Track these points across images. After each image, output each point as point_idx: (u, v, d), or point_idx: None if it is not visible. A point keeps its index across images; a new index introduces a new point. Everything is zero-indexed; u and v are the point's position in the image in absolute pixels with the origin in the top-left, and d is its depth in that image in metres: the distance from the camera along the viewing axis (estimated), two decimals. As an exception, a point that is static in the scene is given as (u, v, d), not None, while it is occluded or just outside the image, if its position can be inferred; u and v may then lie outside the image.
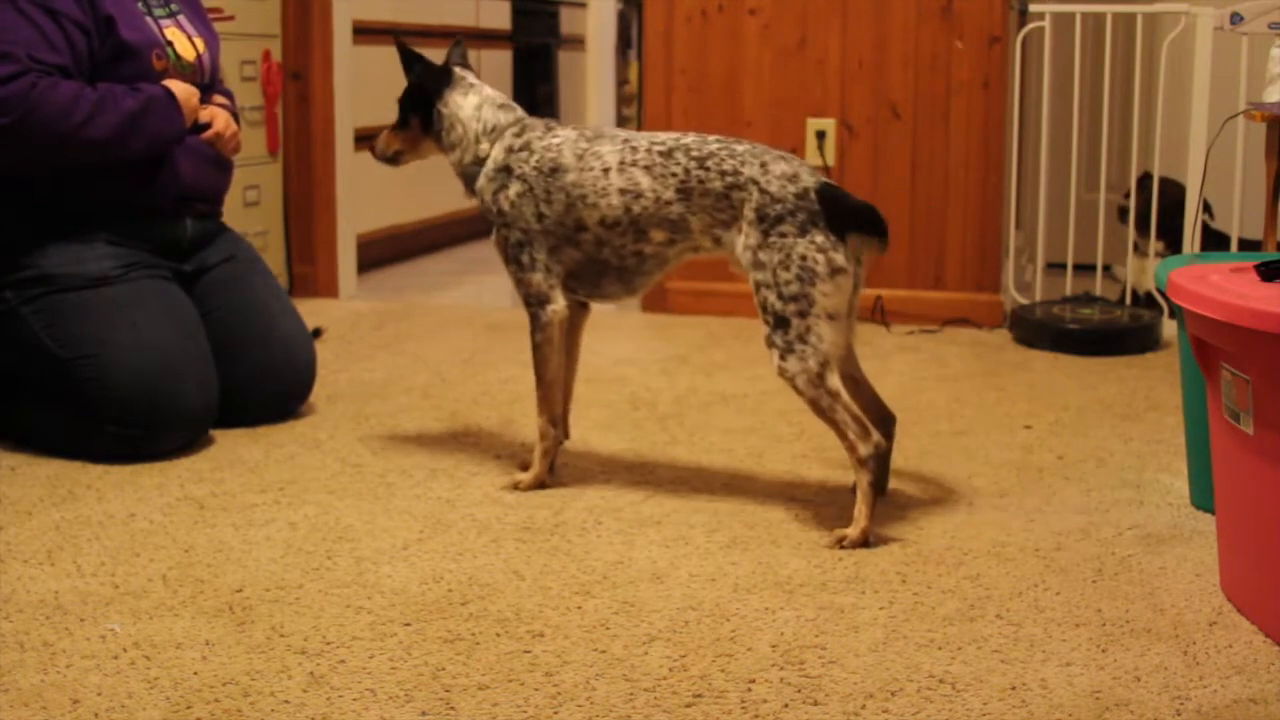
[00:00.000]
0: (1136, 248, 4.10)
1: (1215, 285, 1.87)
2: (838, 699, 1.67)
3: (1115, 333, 3.68)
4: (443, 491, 2.44)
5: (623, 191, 2.30)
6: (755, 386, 3.21)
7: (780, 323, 2.18)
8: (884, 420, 2.34)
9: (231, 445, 2.71)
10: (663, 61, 4.16)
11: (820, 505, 2.38)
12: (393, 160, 2.56)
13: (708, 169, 2.24)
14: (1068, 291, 3.94)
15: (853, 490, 2.26)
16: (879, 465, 2.21)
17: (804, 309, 2.17)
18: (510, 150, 2.40)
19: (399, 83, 2.54)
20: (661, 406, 3.06)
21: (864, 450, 2.18)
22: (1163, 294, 3.09)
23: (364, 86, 4.50)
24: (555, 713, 1.63)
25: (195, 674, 1.72)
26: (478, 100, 2.46)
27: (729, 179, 2.23)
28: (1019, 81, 4.28)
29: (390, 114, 2.54)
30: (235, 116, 2.92)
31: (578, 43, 6.77)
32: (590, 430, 2.83)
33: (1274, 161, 2.93)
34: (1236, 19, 3.18)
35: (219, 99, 2.91)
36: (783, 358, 2.19)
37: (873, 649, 1.80)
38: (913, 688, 1.70)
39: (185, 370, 2.66)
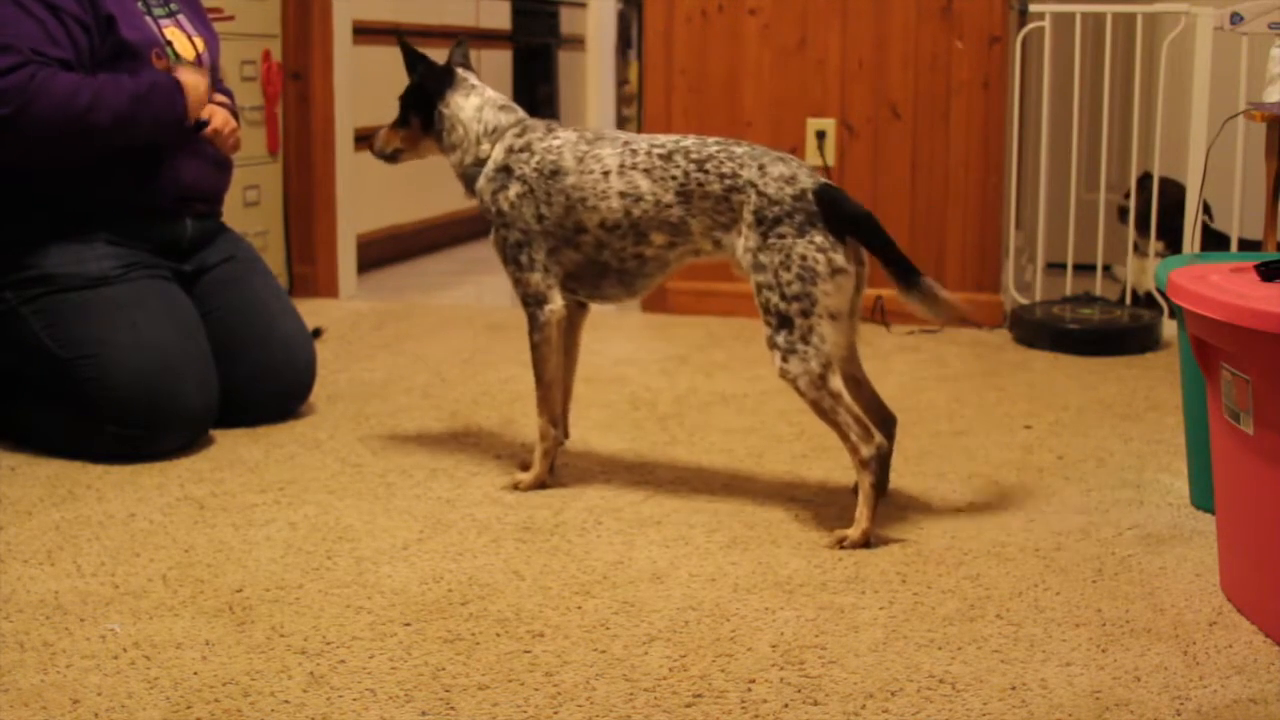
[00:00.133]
0: (1136, 248, 4.10)
1: (1215, 285, 1.87)
2: (838, 699, 1.67)
3: (1115, 333, 3.68)
4: (443, 491, 2.44)
5: (622, 194, 2.30)
6: (755, 386, 3.21)
7: (783, 323, 2.18)
8: (885, 421, 2.34)
9: (231, 445, 2.71)
10: (663, 61, 4.16)
11: (820, 505, 2.38)
12: (391, 158, 2.56)
13: (707, 172, 2.24)
14: (1068, 291, 3.94)
15: (854, 491, 2.26)
16: (881, 466, 2.21)
17: (807, 308, 2.17)
18: (511, 151, 2.40)
19: (399, 83, 2.54)
20: (661, 406, 3.06)
21: (866, 451, 2.18)
22: (1163, 294, 3.09)
23: (364, 86, 4.50)
24: (555, 713, 1.63)
25: (195, 674, 1.72)
26: (479, 101, 2.46)
27: (728, 181, 2.23)
28: (1019, 81, 4.28)
29: (390, 113, 2.54)
30: (235, 115, 2.92)
31: (578, 43, 6.76)
32: (590, 430, 2.83)
33: (1274, 161, 2.93)
34: (1236, 19, 3.18)
35: (219, 98, 2.91)
36: (784, 359, 2.19)
37: (873, 649, 1.80)
38: (913, 688, 1.70)
39: (185, 370, 2.66)
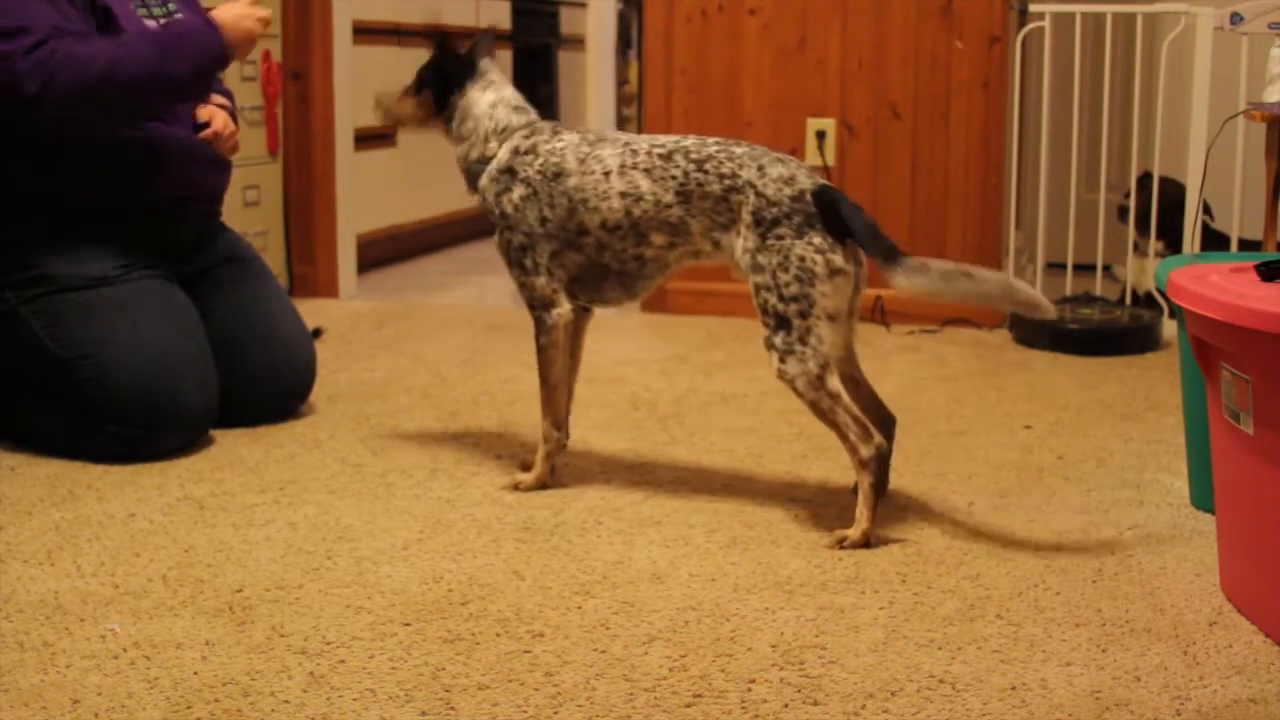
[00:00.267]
0: (1136, 248, 4.10)
1: (1215, 285, 1.87)
2: (838, 699, 1.67)
3: (1115, 333, 3.68)
4: (443, 491, 2.44)
5: (623, 194, 2.30)
6: (755, 386, 3.21)
7: (781, 324, 2.18)
8: (884, 422, 2.34)
9: (231, 445, 2.71)
10: (663, 61, 4.16)
11: (820, 505, 2.38)
12: (397, 122, 2.57)
13: (706, 172, 2.24)
14: (1068, 291, 3.94)
15: (854, 491, 2.26)
16: (880, 467, 2.21)
17: (805, 309, 2.16)
18: (516, 152, 2.40)
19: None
20: (661, 406, 3.06)
21: (865, 452, 2.18)
22: (1163, 294, 3.09)
23: (364, 86, 4.50)
24: (555, 713, 1.63)
25: (195, 674, 1.72)
26: (494, 99, 2.46)
27: (727, 182, 2.23)
28: (1019, 81, 4.28)
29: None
30: (234, 116, 2.92)
31: (578, 43, 6.77)
32: (590, 430, 2.83)
33: (1274, 161, 2.93)
34: (1236, 19, 3.18)
35: (218, 99, 2.91)
36: (782, 360, 2.19)
37: (873, 649, 1.80)
38: (913, 688, 1.70)
39: (185, 370, 2.66)
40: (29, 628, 1.85)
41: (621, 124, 7.17)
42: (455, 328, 3.94)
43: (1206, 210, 3.85)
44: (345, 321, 4.00)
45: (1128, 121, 4.29)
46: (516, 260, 2.39)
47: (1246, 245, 3.75)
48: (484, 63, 2.49)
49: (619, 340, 3.81)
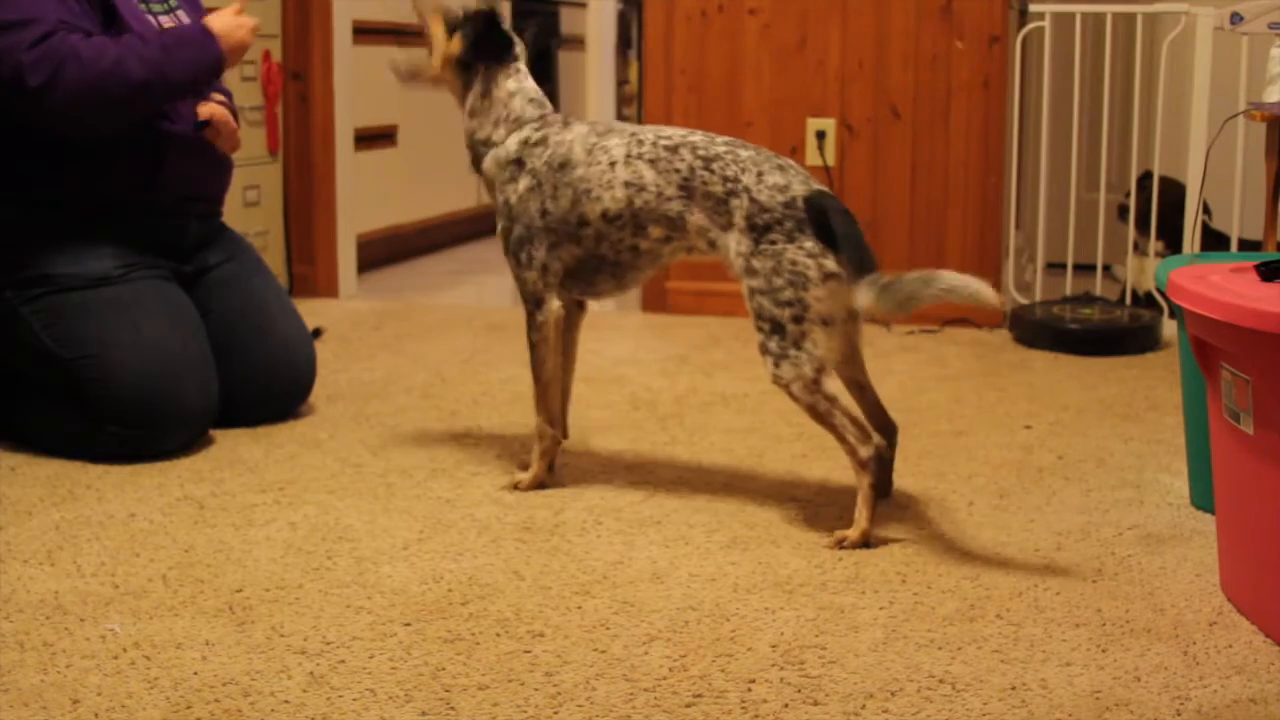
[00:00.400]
0: (1136, 247, 4.10)
1: (1215, 285, 1.87)
2: (838, 699, 1.67)
3: (1115, 333, 3.68)
4: (443, 491, 2.44)
5: (627, 184, 2.30)
6: (755, 386, 3.21)
7: (776, 328, 2.18)
8: (886, 429, 2.34)
9: (231, 445, 2.71)
10: (663, 61, 4.16)
11: (820, 505, 2.38)
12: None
13: (712, 171, 2.24)
14: (1068, 291, 3.94)
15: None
16: (879, 468, 2.21)
17: (799, 314, 2.16)
18: (526, 144, 2.41)
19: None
20: (661, 406, 3.06)
21: (864, 453, 2.18)
22: (1163, 294, 3.09)
23: (364, 86, 4.50)
24: (555, 713, 1.63)
25: (195, 674, 1.72)
26: (515, 87, 2.46)
27: (729, 185, 2.23)
28: (1019, 81, 4.28)
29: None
30: (234, 115, 2.92)
31: (578, 43, 6.76)
32: (590, 430, 2.83)
33: (1274, 161, 2.93)
34: (1236, 19, 3.18)
35: (217, 97, 2.91)
36: (777, 365, 2.19)
37: (873, 649, 1.80)
38: (913, 688, 1.70)
39: (185, 370, 2.66)
40: (29, 628, 1.85)
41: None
42: (455, 328, 3.94)
43: (1206, 210, 3.85)
44: (345, 321, 4.00)
45: (1128, 121, 4.29)
46: (514, 251, 2.40)
47: (1246, 245, 3.75)
48: (519, 48, 2.50)
49: (619, 340, 3.81)
